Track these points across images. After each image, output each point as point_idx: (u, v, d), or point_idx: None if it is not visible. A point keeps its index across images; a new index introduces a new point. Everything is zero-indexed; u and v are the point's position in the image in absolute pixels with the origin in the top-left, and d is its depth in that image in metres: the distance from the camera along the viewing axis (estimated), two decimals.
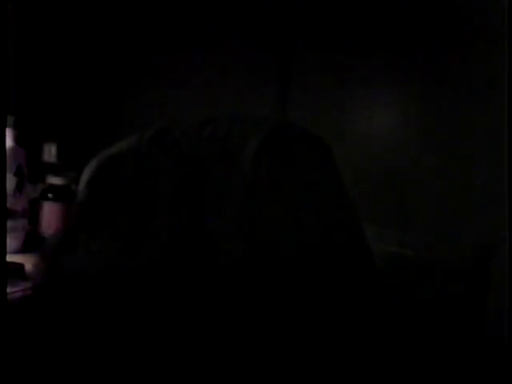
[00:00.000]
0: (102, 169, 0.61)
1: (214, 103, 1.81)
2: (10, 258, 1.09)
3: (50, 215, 1.41)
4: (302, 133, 0.63)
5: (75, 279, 0.56)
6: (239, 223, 0.53)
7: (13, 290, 0.97)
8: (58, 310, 0.58)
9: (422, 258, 1.44)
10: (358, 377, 0.58)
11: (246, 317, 0.51)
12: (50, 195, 1.42)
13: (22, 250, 1.33)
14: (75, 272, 0.56)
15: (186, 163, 0.57)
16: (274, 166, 0.57)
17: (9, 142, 1.30)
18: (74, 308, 0.57)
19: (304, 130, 0.63)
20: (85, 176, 0.63)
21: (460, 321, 1.43)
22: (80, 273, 0.56)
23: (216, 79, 1.89)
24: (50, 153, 1.58)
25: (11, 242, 1.28)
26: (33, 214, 1.40)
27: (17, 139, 1.32)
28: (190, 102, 1.86)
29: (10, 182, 1.30)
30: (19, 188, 1.32)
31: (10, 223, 1.28)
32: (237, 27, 1.87)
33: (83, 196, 0.62)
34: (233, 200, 0.54)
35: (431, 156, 1.69)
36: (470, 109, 1.66)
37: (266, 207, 0.54)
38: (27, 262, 1.13)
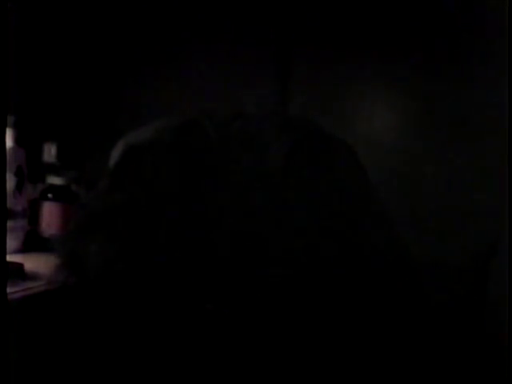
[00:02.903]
0: (126, 159, 0.59)
1: (214, 102, 1.80)
2: (10, 258, 1.09)
3: (50, 215, 1.41)
4: (332, 139, 0.62)
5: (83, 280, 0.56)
6: (262, 225, 0.52)
7: (13, 290, 0.97)
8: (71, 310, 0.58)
9: (421, 258, 1.44)
10: (358, 376, 0.58)
11: (253, 322, 0.51)
12: (49, 195, 1.42)
13: (22, 249, 1.33)
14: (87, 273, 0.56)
15: (215, 157, 0.55)
16: (305, 169, 0.56)
17: (9, 142, 1.30)
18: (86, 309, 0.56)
19: (333, 136, 0.63)
20: (109, 165, 0.61)
21: (460, 320, 1.43)
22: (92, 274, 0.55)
23: (215, 78, 1.88)
24: (49, 153, 1.58)
25: (11, 242, 1.28)
26: (33, 213, 1.40)
27: (17, 139, 1.32)
28: (189, 102, 1.86)
29: (10, 181, 1.30)
30: (19, 188, 1.32)
31: (10, 223, 1.28)
32: (237, 25, 1.87)
33: (105, 187, 0.60)
34: (258, 199, 0.53)
35: (431, 155, 1.69)
36: (470, 108, 1.66)
37: (291, 210, 0.54)
38: (27, 261, 1.13)
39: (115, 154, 0.60)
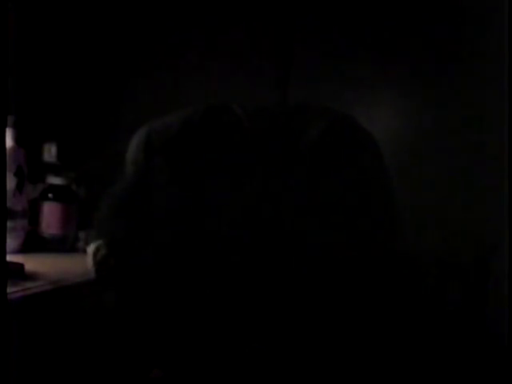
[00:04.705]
0: (149, 142, 0.59)
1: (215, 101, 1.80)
2: (10, 257, 1.09)
3: (49, 215, 1.41)
4: (359, 129, 0.62)
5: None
6: (290, 208, 0.53)
7: (13, 290, 0.97)
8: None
9: (422, 258, 1.44)
10: (358, 376, 0.58)
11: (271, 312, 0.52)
12: (50, 195, 1.42)
13: (22, 249, 1.33)
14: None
15: (248, 140, 0.55)
16: (333, 156, 0.56)
17: (9, 141, 1.30)
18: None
19: (362, 126, 0.63)
20: (132, 147, 0.61)
21: (460, 321, 1.43)
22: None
23: (216, 78, 1.88)
24: (50, 153, 1.58)
25: (11, 242, 1.28)
26: (33, 214, 1.40)
27: (17, 139, 1.32)
28: (189, 102, 1.86)
29: (10, 182, 1.30)
30: (19, 188, 1.32)
31: (9, 223, 1.28)
32: (237, 24, 1.87)
33: (131, 172, 0.59)
34: (289, 184, 0.53)
35: (431, 155, 1.69)
36: (469, 108, 1.66)
37: (319, 194, 0.54)
38: (27, 261, 1.13)
39: (137, 137, 0.60)
